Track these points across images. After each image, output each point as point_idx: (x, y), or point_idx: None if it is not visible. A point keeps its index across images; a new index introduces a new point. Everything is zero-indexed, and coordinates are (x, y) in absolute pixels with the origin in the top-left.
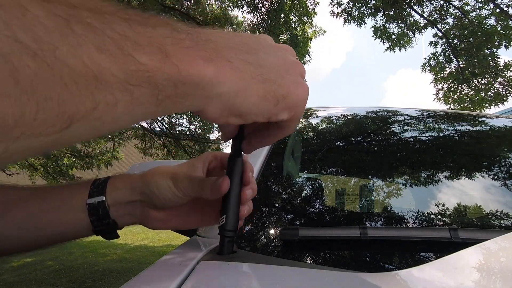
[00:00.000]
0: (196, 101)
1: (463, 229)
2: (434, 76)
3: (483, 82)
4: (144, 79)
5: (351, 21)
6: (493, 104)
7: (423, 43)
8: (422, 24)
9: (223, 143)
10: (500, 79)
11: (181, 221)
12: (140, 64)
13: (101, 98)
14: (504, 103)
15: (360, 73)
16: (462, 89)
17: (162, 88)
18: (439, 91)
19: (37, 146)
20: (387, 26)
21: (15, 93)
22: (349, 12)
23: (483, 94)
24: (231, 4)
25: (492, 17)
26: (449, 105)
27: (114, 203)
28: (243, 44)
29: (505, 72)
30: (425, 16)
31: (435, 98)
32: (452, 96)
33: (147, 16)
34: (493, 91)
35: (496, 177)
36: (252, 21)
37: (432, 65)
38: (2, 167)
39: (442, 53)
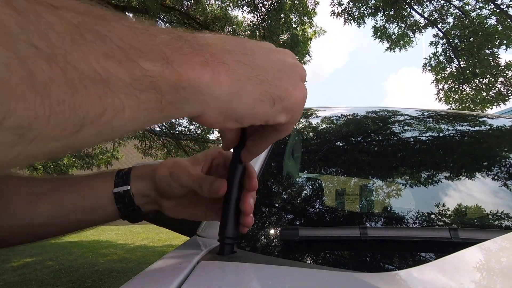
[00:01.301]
0: (195, 106)
1: (463, 229)
2: (434, 76)
3: (484, 82)
4: (148, 84)
5: (352, 21)
6: (495, 104)
7: (423, 43)
8: (422, 24)
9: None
10: (501, 79)
11: (189, 213)
12: (144, 70)
13: (109, 102)
14: (506, 102)
15: (362, 72)
16: (463, 89)
17: (165, 93)
18: (440, 91)
19: (50, 150)
20: (387, 26)
21: (30, 96)
22: (350, 12)
23: (484, 94)
24: (231, 4)
25: (492, 17)
26: (450, 105)
27: (137, 193)
28: (240, 46)
29: (506, 72)
30: (426, 16)
31: (436, 98)
32: (453, 96)
33: (147, 25)
34: (494, 91)
35: (496, 177)
36: (252, 21)
37: (433, 65)
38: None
39: (442, 53)
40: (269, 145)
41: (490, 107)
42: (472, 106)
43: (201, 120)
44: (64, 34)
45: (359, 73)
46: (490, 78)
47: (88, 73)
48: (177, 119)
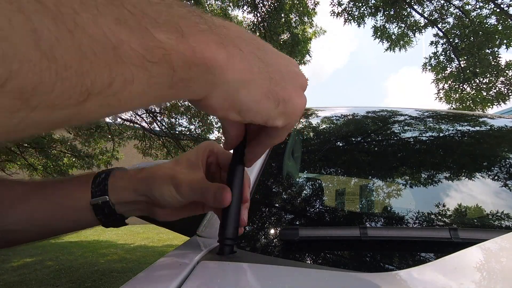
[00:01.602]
0: (204, 86)
1: (463, 229)
2: (435, 76)
3: (484, 81)
4: (161, 57)
5: (351, 21)
6: (495, 103)
7: (423, 43)
8: (422, 24)
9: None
10: (502, 79)
11: (188, 212)
12: (158, 41)
13: (119, 72)
14: (506, 102)
15: (363, 72)
16: (463, 89)
17: (177, 68)
18: (440, 91)
19: (54, 120)
20: (387, 26)
21: (35, 57)
22: (349, 12)
23: (484, 94)
24: (231, 4)
25: (493, 16)
26: (450, 104)
27: (118, 202)
28: (254, 40)
29: (507, 72)
30: (426, 15)
31: (436, 98)
32: (454, 96)
33: None
34: (495, 91)
35: (496, 177)
36: (252, 21)
37: (433, 65)
38: (19, 139)
39: (443, 53)
40: (264, 151)
41: (491, 106)
42: (472, 105)
43: (205, 103)
44: None
45: (360, 73)
46: (491, 78)
47: (98, 38)
48: (177, 119)
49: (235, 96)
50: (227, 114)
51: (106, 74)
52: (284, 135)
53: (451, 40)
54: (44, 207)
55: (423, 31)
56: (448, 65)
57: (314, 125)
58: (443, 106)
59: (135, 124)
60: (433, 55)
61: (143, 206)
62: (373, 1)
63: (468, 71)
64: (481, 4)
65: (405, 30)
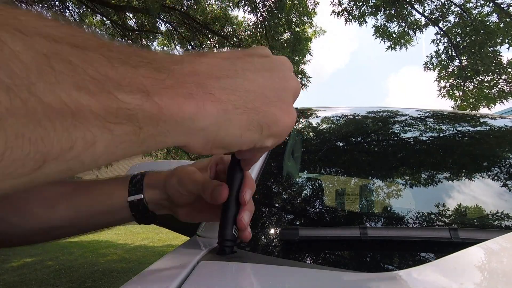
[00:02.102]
0: (179, 137)
1: (463, 229)
2: (437, 74)
3: (486, 80)
4: (124, 117)
5: (352, 20)
6: (498, 101)
7: (424, 42)
8: (423, 23)
9: None
10: (504, 76)
11: (205, 217)
12: (121, 102)
13: (79, 135)
14: (509, 100)
15: (363, 72)
16: (465, 87)
17: (143, 125)
18: (442, 89)
19: (6, 189)
20: (388, 25)
21: None
22: (350, 12)
23: (487, 92)
24: (231, 4)
25: (494, 14)
26: (454, 101)
27: (150, 201)
28: (230, 69)
29: (509, 70)
30: (426, 14)
31: (439, 95)
32: (456, 94)
33: (130, 53)
34: (496, 89)
35: (496, 177)
36: (253, 21)
37: (435, 64)
38: None
39: (444, 52)
40: (259, 157)
41: (493, 105)
42: (476, 101)
43: (188, 149)
44: (31, 64)
45: (361, 72)
46: (492, 76)
47: (55, 105)
48: None
49: (216, 137)
50: (212, 152)
51: (64, 138)
52: (274, 146)
53: (452, 38)
54: (87, 204)
55: (423, 29)
56: (450, 64)
57: (314, 125)
58: (446, 103)
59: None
60: (434, 53)
61: (168, 204)
62: (373, 1)
63: (469, 69)
64: (482, 2)
65: (405, 29)
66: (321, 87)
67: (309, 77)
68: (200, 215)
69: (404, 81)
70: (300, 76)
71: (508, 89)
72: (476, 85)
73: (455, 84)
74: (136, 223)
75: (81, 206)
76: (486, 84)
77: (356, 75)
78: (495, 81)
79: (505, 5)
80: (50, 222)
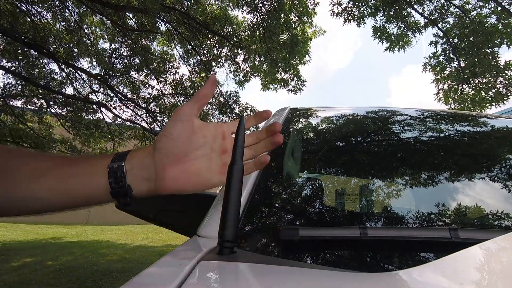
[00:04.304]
0: None
1: (463, 229)
2: (434, 76)
3: (483, 81)
4: None
5: (351, 20)
6: (494, 104)
7: (423, 42)
8: (422, 24)
9: None
10: (500, 79)
11: (195, 179)
12: None
13: None
14: (505, 102)
15: (366, 71)
16: (463, 89)
17: None
18: (440, 91)
19: None
20: (387, 26)
21: None
22: (349, 12)
23: (483, 94)
24: (231, 4)
25: (493, 15)
26: (449, 105)
27: (132, 168)
28: None
29: (506, 72)
30: (426, 15)
31: (435, 98)
32: (453, 96)
33: None
34: (493, 91)
35: (496, 177)
36: (252, 21)
37: (433, 65)
38: None
39: (442, 53)
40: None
41: (489, 107)
42: (471, 106)
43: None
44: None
45: (363, 72)
46: (490, 78)
47: None
48: None
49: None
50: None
51: None
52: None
53: (450, 40)
54: (69, 176)
55: (423, 31)
56: (448, 65)
57: (314, 125)
58: (442, 107)
59: (135, 124)
60: (432, 55)
61: (152, 170)
62: (373, 1)
63: (467, 71)
64: (481, 4)
65: (404, 30)
66: (324, 86)
67: (305, 80)
68: (189, 179)
69: (407, 81)
70: (295, 79)
71: (504, 91)
72: (473, 87)
73: (453, 86)
74: (112, 197)
75: (64, 176)
76: (483, 86)
77: (359, 75)
78: (492, 83)
79: (506, 2)
80: (34, 192)
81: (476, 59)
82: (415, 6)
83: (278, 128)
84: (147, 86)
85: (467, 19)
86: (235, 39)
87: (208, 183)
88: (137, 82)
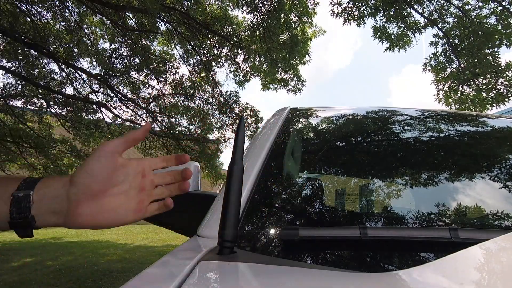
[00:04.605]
0: None
1: (463, 229)
2: (434, 77)
3: (484, 82)
4: None
5: (351, 21)
6: (495, 105)
7: (424, 42)
8: (422, 24)
9: (223, 143)
10: (501, 79)
11: (111, 216)
12: None
13: None
14: (506, 103)
15: (366, 72)
16: (463, 90)
17: None
18: (440, 92)
19: None
20: (387, 26)
21: None
22: (349, 12)
23: (484, 94)
24: (231, 4)
25: (493, 16)
26: (449, 106)
27: (40, 199)
28: None
29: (506, 72)
30: (426, 15)
31: (436, 99)
32: (453, 97)
33: None
34: (494, 91)
35: (496, 177)
36: (252, 21)
37: (433, 65)
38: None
39: (442, 53)
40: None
41: (490, 108)
42: (471, 107)
43: None
44: None
45: (364, 72)
46: (490, 79)
47: None
48: (177, 119)
49: None
50: None
51: None
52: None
53: (451, 40)
54: None
55: (423, 31)
56: (448, 66)
57: (314, 125)
58: (443, 108)
59: (135, 124)
60: (433, 55)
61: (64, 204)
62: (373, 1)
63: (468, 71)
64: (481, 4)
65: (404, 30)
66: (324, 86)
67: (304, 81)
68: (104, 213)
69: (406, 81)
70: (295, 79)
71: (505, 92)
72: (473, 88)
73: (453, 87)
74: (9, 227)
75: None
76: (484, 87)
77: (359, 75)
78: (492, 84)
79: (506, 2)
80: None
81: (476, 60)
82: (415, 6)
83: (187, 159)
84: (147, 86)
85: (467, 19)
86: (235, 39)
87: (123, 220)
88: (137, 82)
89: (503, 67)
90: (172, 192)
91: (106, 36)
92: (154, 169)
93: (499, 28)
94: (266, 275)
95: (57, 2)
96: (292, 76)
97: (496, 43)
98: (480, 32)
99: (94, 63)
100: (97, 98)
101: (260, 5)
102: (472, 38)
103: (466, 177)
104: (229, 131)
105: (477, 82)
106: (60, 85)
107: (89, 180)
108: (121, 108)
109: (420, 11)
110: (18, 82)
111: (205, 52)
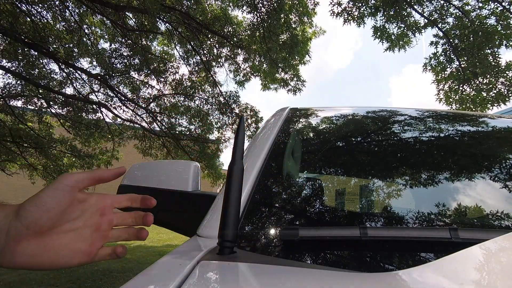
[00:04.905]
0: None
1: (463, 229)
2: (435, 77)
3: (484, 82)
4: None
5: (351, 21)
6: (495, 104)
7: (424, 42)
8: (422, 24)
9: (223, 143)
10: (502, 79)
11: (54, 256)
12: None
13: None
14: (506, 103)
15: (366, 71)
16: (463, 90)
17: None
18: (441, 91)
19: None
20: (387, 26)
21: None
22: (349, 12)
23: (484, 94)
24: (231, 4)
25: (492, 16)
26: (450, 106)
27: None
28: None
29: (507, 72)
30: (426, 15)
31: (436, 99)
32: (454, 97)
33: None
34: (494, 91)
35: (496, 177)
36: (252, 21)
37: (433, 65)
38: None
39: (443, 53)
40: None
41: (490, 107)
42: (472, 107)
43: None
44: None
45: (364, 72)
46: (491, 78)
47: None
48: (177, 119)
49: None
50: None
51: None
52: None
53: (451, 40)
54: None
55: (422, 31)
56: (448, 66)
57: (314, 125)
58: (443, 108)
59: (135, 124)
60: (433, 55)
61: (1, 239)
62: (373, 1)
63: (468, 71)
64: (481, 4)
65: (404, 30)
66: (324, 86)
67: (304, 81)
68: (46, 253)
69: (406, 81)
70: (295, 79)
71: (505, 92)
72: (474, 88)
73: (453, 86)
74: None
75: None
76: (484, 87)
77: (359, 75)
78: (493, 84)
79: (506, 2)
80: None
81: (476, 60)
82: (415, 6)
83: (153, 203)
84: (147, 86)
85: (467, 19)
86: (235, 39)
87: (67, 263)
88: (137, 82)
89: (503, 67)
90: (130, 237)
91: (106, 36)
92: (116, 207)
93: (499, 28)
94: (266, 275)
95: (57, 2)
96: (292, 76)
97: (496, 43)
98: (480, 32)
99: (94, 63)
100: (97, 98)
101: (260, 5)
102: (472, 38)
103: (466, 177)
104: (229, 131)
105: (478, 82)
106: (60, 85)
107: (38, 215)
108: (121, 108)
109: (420, 11)
110: (18, 82)
111: (205, 52)
